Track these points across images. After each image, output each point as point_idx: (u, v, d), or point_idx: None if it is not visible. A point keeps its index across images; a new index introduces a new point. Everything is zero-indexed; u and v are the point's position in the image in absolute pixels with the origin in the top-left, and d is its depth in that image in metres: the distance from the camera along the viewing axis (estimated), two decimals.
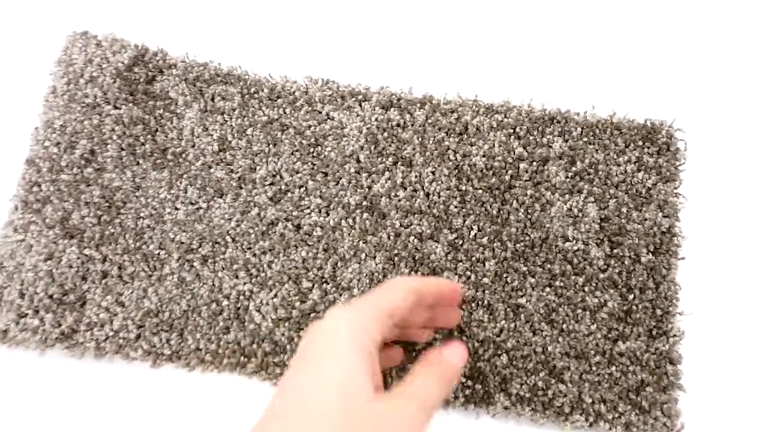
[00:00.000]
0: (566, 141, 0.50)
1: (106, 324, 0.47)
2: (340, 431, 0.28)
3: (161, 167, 0.51)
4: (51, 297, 0.48)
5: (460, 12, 0.56)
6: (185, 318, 0.48)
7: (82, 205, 0.50)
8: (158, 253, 0.49)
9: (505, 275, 0.47)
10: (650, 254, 0.47)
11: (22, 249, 0.49)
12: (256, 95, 0.53)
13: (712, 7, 0.55)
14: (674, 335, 0.46)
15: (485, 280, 0.47)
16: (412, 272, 0.48)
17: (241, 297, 0.48)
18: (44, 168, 0.51)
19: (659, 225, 0.48)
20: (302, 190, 0.50)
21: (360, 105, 0.52)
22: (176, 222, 0.49)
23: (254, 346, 0.47)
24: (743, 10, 0.55)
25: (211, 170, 0.51)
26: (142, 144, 0.51)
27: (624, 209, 0.48)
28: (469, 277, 0.47)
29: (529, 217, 0.49)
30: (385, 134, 0.51)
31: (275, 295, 0.48)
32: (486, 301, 0.47)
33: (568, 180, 0.49)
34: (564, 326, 0.46)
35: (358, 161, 0.50)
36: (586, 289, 0.47)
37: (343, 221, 0.49)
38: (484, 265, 0.48)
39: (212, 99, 0.53)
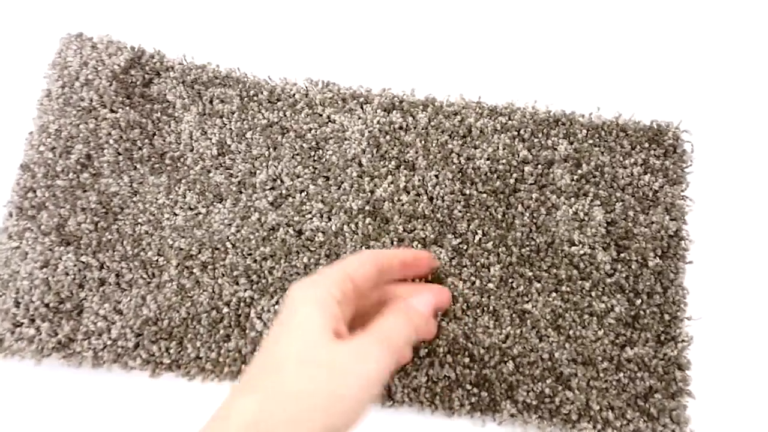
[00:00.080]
0: (571, 143, 0.49)
1: (103, 333, 0.46)
2: (296, 374, 0.30)
3: (159, 172, 0.50)
4: (47, 305, 0.47)
5: (462, 12, 0.55)
6: (185, 326, 0.47)
7: (79, 211, 0.49)
8: (157, 260, 0.48)
9: (510, 280, 0.47)
10: (657, 258, 0.47)
11: (17, 256, 0.48)
12: (255, 98, 0.52)
13: (719, 9, 0.54)
14: (682, 340, 0.45)
15: (490, 285, 0.47)
16: (416, 279, 0.47)
17: (242, 304, 0.47)
18: (39, 173, 0.50)
19: (666, 228, 0.47)
20: (303, 194, 0.49)
21: (361, 107, 0.51)
22: (175, 228, 0.49)
23: (256, 354, 0.46)
24: (750, 12, 0.54)
25: (211, 175, 0.50)
26: (140, 148, 0.50)
27: (630, 212, 0.48)
28: (474, 283, 0.47)
29: (534, 221, 0.48)
30: (388, 137, 0.50)
31: (277, 302, 0.47)
32: (491, 307, 0.46)
33: (573, 183, 0.48)
34: (571, 332, 0.45)
35: (360, 165, 0.50)
36: (593, 294, 0.46)
37: (345, 226, 0.48)
38: (489, 270, 0.47)
39: (211, 102, 0.52)
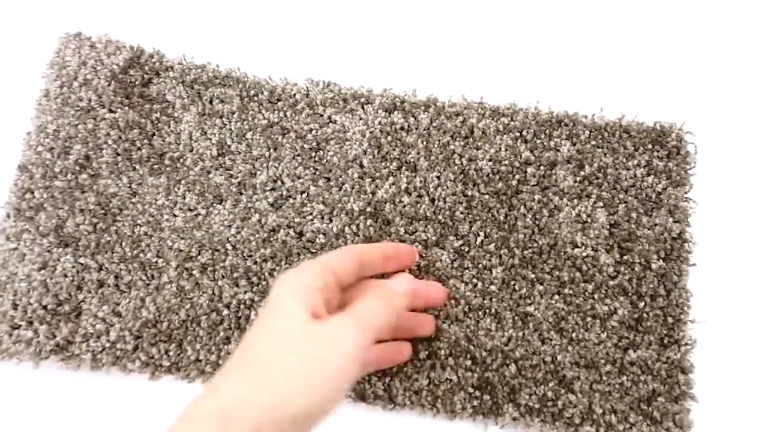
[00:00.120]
0: (574, 144, 0.49)
1: (102, 335, 0.46)
2: (273, 359, 0.31)
3: (158, 173, 0.50)
4: (45, 307, 0.46)
5: (464, 12, 0.55)
6: (184, 328, 0.46)
7: (77, 212, 0.48)
8: (156, 262, 0.47)
9: (512, 283, 0.46)
10: (661, 260, 0.46)
11: (14, 258, 0.47)
12: (255, 98, 0.51)
13: (722, 10, 0.54)
14: (686, 344, 0.45)
15: (492, 287, 0.46)
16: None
17: (242, 306, 0.47)
18: (37, 174, 0.49)
19: (670, 230, 0.47)
20: (304, 195, 0.49)
21: (363, 108, 0.51)
22: (174, 229, 0.48)
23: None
24: (754, 13, 0.54)
25: (210, 175, 0.49)
26: (139, 149, 0.50)
27: (634, 214, 0.47)
28: (476, 285, 0.46)
29: (536, 222, 0.47)
30: (389, 138, 0.50)
31: None
32: (493, 310, 0.46)
33: (576, 184, 0.48)
34: (573, 335, 0.45)
35: (362, 166, 0.49)
36: (596, 296, 0.46)
37: (346, 228, 0.48)
38: (491, 272, 0.47)
39: (210, 102, 0.51)
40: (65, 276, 0.47)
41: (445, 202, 0.48)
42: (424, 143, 0.49)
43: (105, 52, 0.52)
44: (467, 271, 0.47)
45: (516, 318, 0.46)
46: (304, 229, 0.48)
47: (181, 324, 0.46)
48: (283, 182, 0.49)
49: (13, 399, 0.46)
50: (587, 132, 0.49)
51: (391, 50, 0.54)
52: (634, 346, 0.45)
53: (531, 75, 0.52)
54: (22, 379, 0.46)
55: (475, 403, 0.44)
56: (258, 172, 0.49)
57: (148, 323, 0.46)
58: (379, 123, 0.50)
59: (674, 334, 0.45)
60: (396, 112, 0.50)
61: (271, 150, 0.50)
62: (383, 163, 0.49)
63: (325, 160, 0.49)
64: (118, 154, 0.50)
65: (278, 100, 0.51)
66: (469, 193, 0.48)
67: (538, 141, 0.49)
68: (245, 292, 0.47)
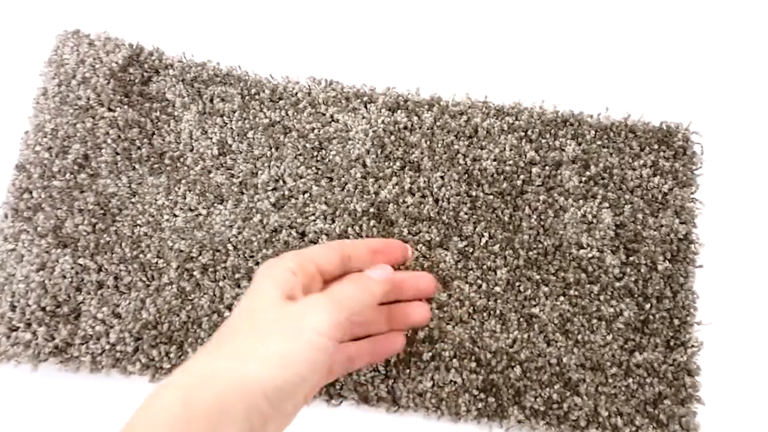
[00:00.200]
0: (579, 144, 0.49)
1: (102, 337, 0.45)
2: (247, 336, 0.32)
3: (158, 172, 0.49)
4: (44, 309, 0.46)
5: (468, 10, 0.54)
6: (185, 330, 0.46)
7: (76, 212, 0.48)
8: (156, 262, 0.47)
9: (517, 284, 0.46)
10: (667, 262, 0.46)
11: (12, 259, 0.47)
12: (257, 96, 0.50)
13: (729, 10, 0.53)
14: (692, 346, 0.44)
15: (497, 289, 0.46)
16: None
17: None
18: (35, 174, 0.48)
19: (676, 231, 0.47)
20: (306, 195, 0.48)
21: (365, 107, 0.50)
22: (175, 229, 0.47)
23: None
24: (760, 13, 0.53)
25: (211, 175, 0.49)
26: (138, 148, 0.49)
27: (639, 215, 0.47)
28: (480, 286, 0.46)
29: (541, 223, 0.47)
30: (392, 137, 0.49)
31: None
32: (498, 311, 0.45)
33: (581, 185, 0.48)
34: (579, 337, 0.45)
35: (365, 166, 0.49)
36: (602, 298, 0.45)
37: (349, 229, 0.47)
38: (496, 273, 0.46)
39: (211, 100, 0.50)
40: (64, 277, 0.46)
41: (449, 203, 0.48)
42: (428, 143, 0.49)
43: (104, 50, 0.51)
44: (471, 272, 0.46)
45: (521, 319, 0.45)
46: (307, 229, 0.47)
47: (182, 325, 0.46)
48: (285, 182, 0.48)
49: (11, 402, 0.45)
50: (593, 132, 0.49)
51: (394, 48, 0.53)
52: (640, 348, 0.44)
53: (536, 74, 0.52)
54: (20, 381, 0.45)
55: (480, 405, 0.44)
56: (259, 172, 0.49)
57: (148, 325, 0.46)
58: (382, 122, 0.49)
59: (680, 336, 0.45)
60: (399, 111, 0.50)
61: (273, 149, 0.49)
62: (386, 163, 0.48)
63: (327, 160, 0.49)
64: (118, 154, 0.49)
65: (280, 98, 0.51)
66: (474, 194, 0.48)
67: (543, 141, 0.49)
68: None
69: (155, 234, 0.47)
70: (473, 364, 0.44)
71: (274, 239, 0.47)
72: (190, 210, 0.48)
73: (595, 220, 0.47)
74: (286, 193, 0.48)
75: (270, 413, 0.30)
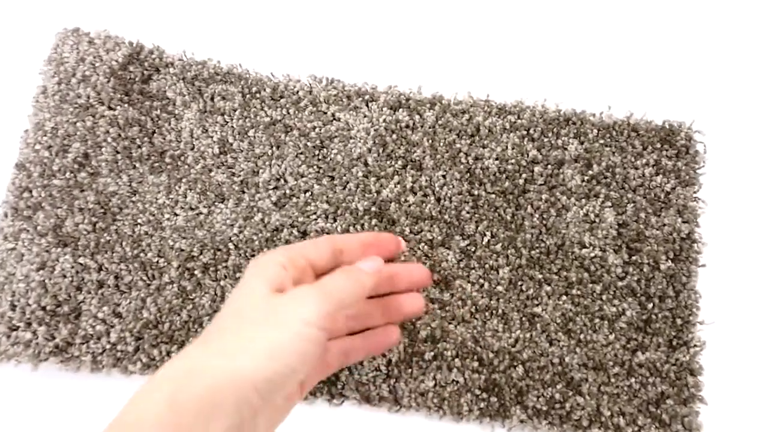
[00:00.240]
0: (582, 143, 0.48)
1: (102, 336, 0.45)
2: (235, 330, 0.32)
3: (159, 171, 0.49)
4: (44, 308, 0.45)
5: (470, 8, 0.54)
6: (186, 329, 0.45)
7: (76, 211, 0.48)
8: (157, 262, 0.47)
9: (519, 283, 0.46)
10: (669, 261, 0.46)
11: (12, 258, 0.46)
12: (257, 95, 0.50)
13: (732, 8, 0.53)
14: (695, 345, 0.44)
15: (499, 288, 0.46)
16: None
17: None
18: (35, 173, 0.48)
19: (679, 231, 0.46)
20: (308, 194, 0.48)
21: (367, 105, 0.50)
22: (176, 228, 0.47)
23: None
24: (764, 11, 0.53)
25: (212, 174, 0.49)
26: (139, 147, 0.49)
27: (642, 214, 0.47)
28: (482, 285, 0.46)
29: (544, 222, 0.47)
30: (394, 136, 0.49)
31: None
32: (500, 310, 0.45)
33: (584, 184, 0.48)
34: (581, 336, 0.44)
35: (366, 164, 0.48)
36: (604, 297, 0.45)
37: (350, 228, 0.47)
38: (498, 272, 0.46)
39: (212, 99, 0.50)
40: (64, 276, 0.46)
41: (450, 202, 0.47)
42: (430, 141, 0.49)
43: (104, 48, 0.51)
44: (474, 271, 0.46)
45: (523, 319, 0.45)
46: (308, 228, 0.47)
47: (183, 325, 0.45)
48: (286, 181, 0.48)
49: (11, 402, 0.45)
50: (595, 130, 0.49)
51: (396, 47, 0.53)
52: (643, 347, 0.44)
53: (538, 72, 0.52)
54: (20, 381, 0.45)
55: (482, 405, 0.43)
56: (261, 171, 0.48)
57: (149, 324, 0.45)
58: (384, 121, 0.49)
59: (683, 335, 0.44)
60: (401, 110, 0.49)
61: (274, 148, 0.49)
62: (388, 162, 0.48)
63: (328, 159, 0.49)
64: (118, 152, 0.49)
65: (281, 97, 0.50)
66: (476, 193, 0.47)
67: (546, 139, 0.49)
68: None
69: (156, 233, 0.47)
70: (475, 364, 0.44)
71: (275, 238, 0.47)
72: (191, 209, 0.48)
73: (597, 219, 0.47)
74: (288, 192, 0.48)
75: (260, 405, 0.30)
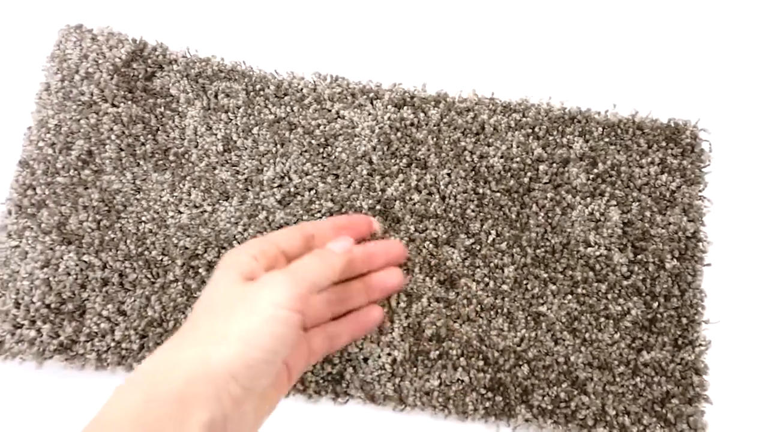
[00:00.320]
0: (587, 141, 0.48)
1: (107, 334, 0.45)
2: (208, 321, 0.32)
3: (163, 168, 0.48)
4: (48, 306, 0.45)
5: (475, 6, 0.54)
6: None
7: (80, 209, 0.47)
8: (161, 260, 0.47)
9: (525, 282, 0.46)
10: (675, 260, 0.46)
11: (16, 256, 0.46)
12: (261, 92, 0.50)
13: (738, 6, 0.53)
14: (700, 345, 0.44)
15: (504, 287, 0.45)
16: (427, 278, 0.46)
17: None
18: (39, 170, 0.48)
19: (684, 230, 0.46)
20: (312, 192, 0.48)
21: (371, 103, 0.50)
22: (180, 226, 0.47)
23: None
24: None
25: (216, 171, 0.48)
26: (143, 144, 0.49)
27: (647, 213, 0.47)
28: (487, 284, 0.46)
29: (549, 221, 0.47)
30: (399, 134, 0.49)
31: None
32: (505, 309, 0.45)
33: (589, 182, 0.47)
34: (587, 335, 0.44)
35: (371, 162, 0.48)
36: (609, 296, 0.45)
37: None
38: (503, 271, 0.46)
39: (216, 96, 0.50)
40: (68, 274, 0.46)
41: (455, 200, 0.47)
42: (435, 139, 0.48)
43: (107, 45, 0.51)
44: (479, 269, 0.46)
45: (528, 318, 0.45)
46: None
47: None
48: (290, 179, 0.48)
49: (16, 399, 0.45)
50: (600, 129, 0.48)
51: (401, 44, 0.52)
52: (648, 347, 0.44)
53: (543, 70, 0.51)
54: (25, 379, 0.45)
55: (487, 404, 0.43)
56: (265, 169, 0.48)
57: (153, 322, 0.45)
58: (389, 118, 0.49)
59: (688, 335, 0.44)
60: (405, 108, 0.49)
61: (278, 146, 0.49)
62: (393, 160, 0.48)
63: (333, 157, 0.49)
64: (122, 150, 0.49)
65: (285, 94, 0.50)
66: (481, 191, 0.47)
67: (551, 138, 0.48)
68: None
69: (160, 231, 0.47)
70: (480, 363, 0.44)
71: None
72: (195, 207, 0.48)
73: (602, 218, 0.47)
74: (292, 189, 0.48)
75: (241, 394, 0.30)
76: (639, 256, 0.46)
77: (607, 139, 0.48)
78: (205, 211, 0.48)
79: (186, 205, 0.48)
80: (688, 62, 0.52)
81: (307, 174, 0.48)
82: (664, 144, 0.48)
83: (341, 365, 0.44)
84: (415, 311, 0.45)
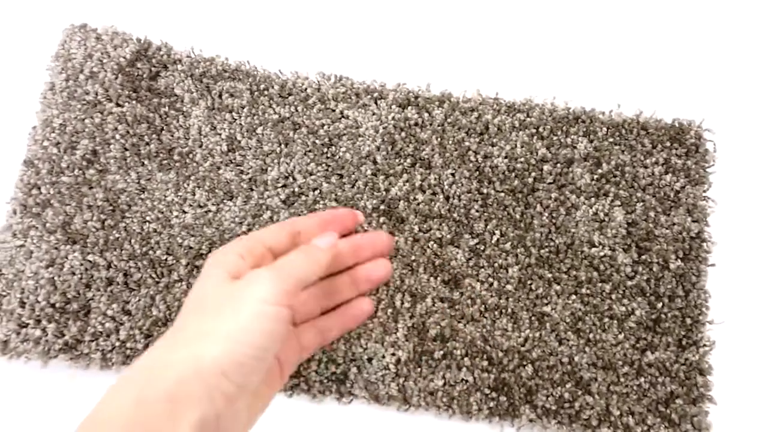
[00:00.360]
0: (591, 141, 0.48)
1: (111, 334, 0.45)
2: (195, 320, 0.33)
3: (167, 168, 0.49)
4: (53, 306, 0.45)
5: (479, 6, 0.54)
6: None
7: (85, 208, 0.47)
8: (166, 259, 0.47)
9: (529, 282, 0.46)
10: (679, 260, 0.46)
11: (21, 255, 0.46)
12: (266, 92, 0.50)
13: (742, 6, 0.53)
14: (704, 345, 0.44)
15: (508, 287, 0.46)
16: (431, 278, 0.46)
17: None
18: (44, 169, 0.48)
19: (688, 230, 0.46)
20: (316, 192, 0.48)
21: (376, 103, 0.50)
22: (184, 226, 0.47)
23: None
24: None
25: (220, 171, 0.48)
26: (147, 144, 0.49)
27: (652, 213, 0.47)
28: (491, 284, 0.46)
29: (553, 221, 0.47)
30: (403, 134, 0.49)
31: None
32: (510, 309, 0.45)
33: (593, 182, 0.47)
34: (591, 336, 0.44)
35: (375, 162, 0.48)
36: (614, 296, 0.45)
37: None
38: (507, 271, 0.46)
39: (220, 96, 0.50)
40: (73, 273, 0.46)
41: (459, 200, 0.47)
42: (439, 139, 0.48)
43: (111, 45, 0.51)
44: (483, 270, 0.46)
45: (533, 318, 0.45)
46: None
47: None
48: (294, 179, 0.48)
49: (21, 399, 0.45)
50: (604, 129, 0.48)
51: (405, 44, 0.52)
52: (652, 347, 0.44)
53: (547, 70, 0.51)
54: (29, 378, 0.45)
55: (492, 404, 0.43)
56: (269, 168, 0.48)
57: (158, 322, 0.45)
58: (393, 118, 0.49)
59: (692, 335, 0.44)
60: (410, 108, 0.49)
61: (283, 146, 0.49)
62: (397, 160, 0.48)
63: (337, 157, 0.49)
64: (126, 149, 0.49)
65: (289, 94, 0.50)
66: (485, 191, 0.47)
67: (555, 138, 0.48)
68: None
69: (164, 230, 0.47)
70: (485, 363, 0.44)
71: None
72: (200, 206, 0.48)
73: (606, 218, 0.47)
74: (296, 189, 0.48)
75: (234, 392, 0.30)
76: (643, 257, 0.46)
77: (611, 139, 0.48)
78: (210, 210, 0.48)
79: (190, 205, 0.48)
80: (693, 62, 0.52)
81: (311, 174, 0.48)
82: (668, 144, 0.48)
83: (345, 365, 0.44)
84: (420, 311, 0.45)
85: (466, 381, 0.44)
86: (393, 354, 0.44)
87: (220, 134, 0.49)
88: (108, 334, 0.45)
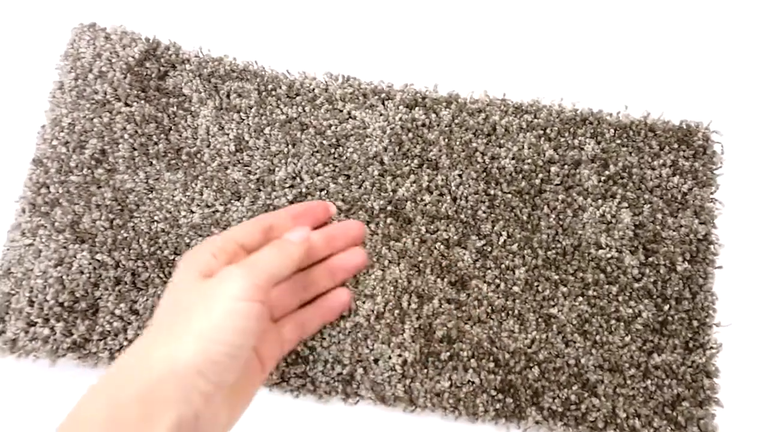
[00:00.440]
0: (599, 143, 0.48)
1: (119, 333, 0.45)
2: (164, 316, 0.34)
3: (175, 168, 0.49)
4: (61, 305, 0.46)
5: (487, 7, 0.54)
6: None
7: (93, 207, 0.48)
8: (173, 259, 0.47)
9: (536, 284, 0.46)
10: (686, 263, 0.46)
11: (30, 254, 0.47)
12: (273, 92, 0.50)
13: (750, 7, 0.53)
14: (711, 348, 0.44)
15: (515, 288, 0.46)
16: (438, 279, 0.46)
17: None
18: (52, 169, 0.48)
19: (695, 232, 0.46)
20: (323, 193, 0.48)
21: (383, 103, 0.50)
22: (192, 226, 0.47)
23: None
24: None
25: (228, 171, 0.49)
26: (156, 143, 0.49)
27: (659, 215, 0.47)
28: (498, 286, 0.46)
29: (560, 223, 0.47)
30: (410, 135, 0.49)
31: None
32: (516, 311, 0.45)
33: (600, 184, 0.47)
34: (597, 338, 0.44)
35: (382, 163, 0.48)
36: (620, 298, 0.45)
37: (366, 226, 0.47)
38: (514, 273, 0.46)
39: (228, 96, 0.50)
40: (82, 272, 0.46)
41: (467, 201, 0.47)
42: (446, 140, 0.48)
43: (120, 44, 0.51)
44: (490, 271, 0.46)
45: (539, 320, 0.45)
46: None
47: None
48: (302, 179, 0.48)
49: (30, 397, 0.45)
50: (612, 130, 0.48)
51: (412, 45, 0.52)
52: (659, 349, 0.44)
53: (554, 72, 0.51)
54: (38, 377, 0.45)
55: (498, 406, 0.44)
56: (277, 169, 0.48)
57: None
58: (400, 119, 0.49)
59: (699, 337, 0.44)
60: (417, 108, 0.49)
61: (290, 146, 0.49)
62: (404, 161, 0.48)
63: (344, 157, 0.49)
64: (135, 149, 0.49)
65: (297, 94, 0.50)
66: (492, 192, 0.47)
67: (562, 139, 0.48)
68: None
69: (172, 230, 0.47)
70: (491, 365, 0.44)
71: None
72: (207, 206, 0.48)
73: (614, 220, 0.47)
74: (304, 190, 0.48)
75: (211, 390, 0.31)
76: (650, 259, 0.46)
77: (618, 141, 0.48)
78: (217, 210, 0.48)
79: (198, 205, 0.48)
80: (700, 64, 0.51)
81: (318, 174, 0.48)
82: (676, 146, 0.48)
83: (351, 366, 0.44)
84: (426, 312, 0.45)
85: (473, 382, 0.44)
86: (399, 355, 0.44)
87: (228, 134, 0.49)
88: (116, 333, 0.45)
